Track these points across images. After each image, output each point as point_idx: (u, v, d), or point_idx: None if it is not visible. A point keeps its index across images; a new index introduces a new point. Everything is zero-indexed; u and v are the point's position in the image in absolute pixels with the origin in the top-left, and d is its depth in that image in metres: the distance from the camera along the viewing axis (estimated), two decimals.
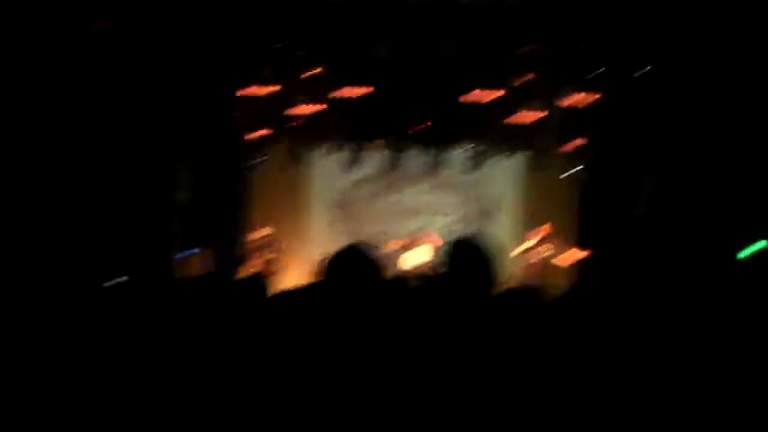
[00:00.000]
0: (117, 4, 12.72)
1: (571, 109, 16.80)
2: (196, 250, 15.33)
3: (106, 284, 7.83)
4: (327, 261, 4.11)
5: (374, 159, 18.54)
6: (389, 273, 4.56)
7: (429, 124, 17.36)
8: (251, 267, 15.27)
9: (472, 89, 16.76)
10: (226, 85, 16.06)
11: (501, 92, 16.46)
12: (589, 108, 16.58)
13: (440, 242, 15.29)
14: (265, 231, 16.17)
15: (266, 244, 16.08)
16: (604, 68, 15.24)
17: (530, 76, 16.13)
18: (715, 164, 13.76)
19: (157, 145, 14.90)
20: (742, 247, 13.48)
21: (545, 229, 15.94)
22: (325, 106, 16.85)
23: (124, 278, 8.41)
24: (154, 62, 13.82)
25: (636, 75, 15.21)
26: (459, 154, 18.38)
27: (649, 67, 14.86)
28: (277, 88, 16.41)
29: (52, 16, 12.20)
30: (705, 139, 13.84)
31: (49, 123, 12.84)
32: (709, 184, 13.91)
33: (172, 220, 15.82)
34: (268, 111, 17.05)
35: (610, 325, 6.16)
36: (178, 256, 15.49)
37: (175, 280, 13.10)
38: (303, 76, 16.24)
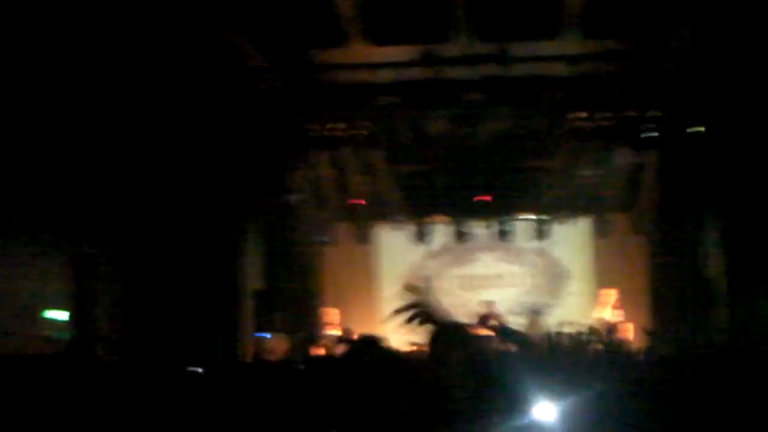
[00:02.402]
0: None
1: (633, 172, 16.76)
2: (269, 335, 15.44)
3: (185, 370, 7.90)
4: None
5: (441, 232, 18.65)
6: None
7: (491, 196, 17.43)
8: (323, 348, 15.31)
9: (532, 158, 16.86)
10: (286, 167, 16.28)
11: (561, 160, 16.51)
12: (651, 170, 16.53)
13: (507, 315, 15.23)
14: (335, 311, 16.26)
15: (337, 324, 16.14)
16: (659, 131, 15.15)
17: (589, 143, 16.13)
18: None
19: (225, 230, 15.08)
20: None
21: (614, 294, 15.78)
22: (387, 182, 17.03)
23: (198, 369, 8.49)
24: (215, 147, 14.08)
25: (691, 134, 15.10)
26: (525, 222, 18.42)
27: (702, 128, 14.77)
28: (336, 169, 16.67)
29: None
30: None
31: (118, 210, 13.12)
32: None
33: (244, 304, 15.94)
34: (331, 191, 17.28)
35: (683, 389, 6.12)
36: (252, 339, 15.61)
37: (248, 365, 13.19)
38: (363, 154, 16.44)
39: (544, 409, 4.38)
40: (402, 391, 3.84)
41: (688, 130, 15.06)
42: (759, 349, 12.08)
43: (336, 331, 16.17)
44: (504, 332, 5.43)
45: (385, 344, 4.28)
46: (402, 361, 4.50)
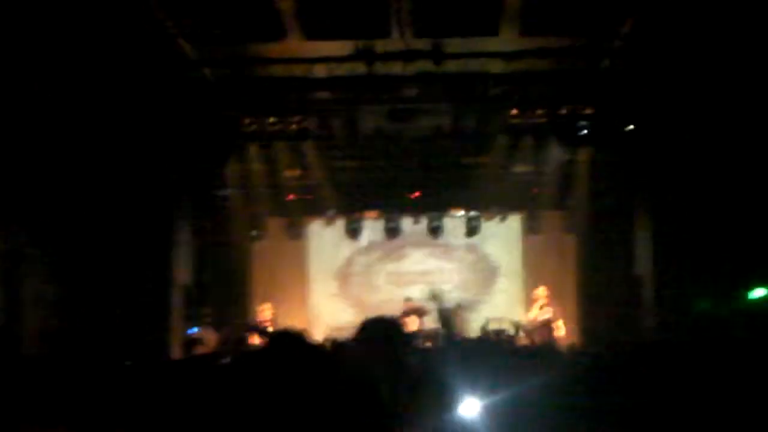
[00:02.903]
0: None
1: (564, 170, 16.90)
2: (197, 329, 15.33)
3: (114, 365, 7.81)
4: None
5: (372, 228, 18.64)
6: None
7: (422, 192, 17.49)
8: (253, 343, 15.22)
9: (465, 155, 16.92)
10: (218, 161, 16.14)
11: (494, 156, 16.59)
12: (583, 167, 16.67)
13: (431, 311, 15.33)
14: (266, 306, 16.13)
15: (267, 319, 16.02)
16: (592, 128, 15.26)
17: (522, 139, 16.23)
18: (711, 218, 13.70)
19: (156, 223, 14.93)
20: (741, 298, 13.40)
21: (544, 291, 15.86)
22: (319, 178, 17.00)
23: (127, 363, 8.40)
24: (146, 140, 13.92)
25: (624, 131, 15.24)
26: (456, 219, 18.47)
27: (632, 126, 14.93)
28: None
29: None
30: (699, 192, 13.81)
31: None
32: (707, 237, 13.82)
33: (173, 299, 15.78)
34: (263, 185, 17.19)
35: (615, 381, 6.16)
36: (182, 334, 15.51)
37: (177, 361, 13.08)
38: (295, 150, 16.39)
39: (471, 405, 4.38)
40: (327, 386, 3.79)
41: (620, 129, 15.21)
42: (686, 343, 12.28)
43: (267, 326, 16.07)
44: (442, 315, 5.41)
45: (309, 339, 4.22)
46: (327, 356, 4.45)
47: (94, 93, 12.44)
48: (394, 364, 3.91)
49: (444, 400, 4.07)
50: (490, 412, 4.57)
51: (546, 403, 5.35)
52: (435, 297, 15.62)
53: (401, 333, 4.22)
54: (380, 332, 4.13)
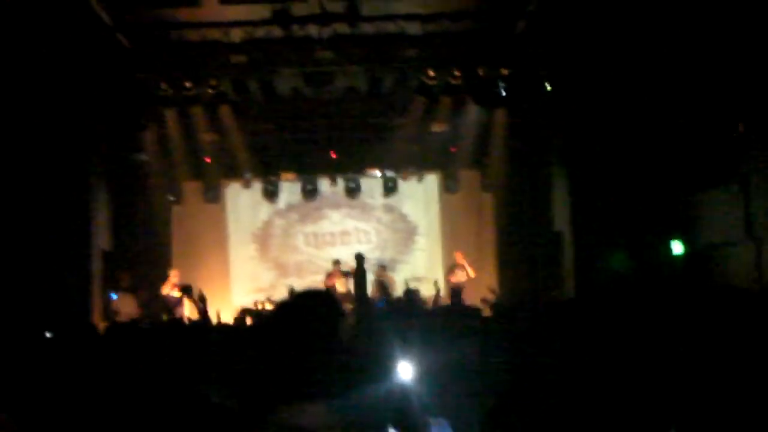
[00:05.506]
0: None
1: (481, 129, 17.04)
2: (115, 296, 15.23)
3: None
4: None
5: (290, 190, 18.62)
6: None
7: (338, 153, 17.53)
8: (173, 308, 15.17)
9: (382, 115, 16.98)
10: (135, 125, 16.01)
11: (411, 117, 16.67)
12: (500, 127, 16.83)
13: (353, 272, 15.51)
14: (175, 272, 16.05)
15: (187, 284, 15.96)
16: (508, 89, 15.38)
17: (439, 100, 16.32)
18: (627, 175, 13.91)
19: (75, 189, 14.78)
20: (659, 255, 13.68)
21: (462, 251, 16.07)
22: (236, 141, 16.95)
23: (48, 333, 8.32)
24: (63, 105, 13.76)
25: (540, 91, 15.40)
26: (373, 179, 18.53)
27: (548, 86, 15.08)
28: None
29: None
30: (616, 150, 14.00)
31: None
32: (624, 195, 14.04)
33: (93, 265, 15.65)
34: (180, 149, 17.08)
35: (534, 342, 6.28)
36: (102, 300, 15.44)
37: (97, 328, 12.94)
38: (212, 114, 16.30)
39: (402, 368, 4.43)
40: (247, 356, 3.81)
41: (536, 89, 15.36)
42: (602, 298, 12.54)
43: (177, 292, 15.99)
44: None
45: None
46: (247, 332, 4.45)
47: (8, 59, 12.26)
48: (322, 337, 3.92)
49: (371, 368, 4.09)
50: (415, 375, 4.63)
51: (467, 364, 5.46)
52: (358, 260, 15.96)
53: (331, 305, 4.21)
54: (308, 305, 4.12)
